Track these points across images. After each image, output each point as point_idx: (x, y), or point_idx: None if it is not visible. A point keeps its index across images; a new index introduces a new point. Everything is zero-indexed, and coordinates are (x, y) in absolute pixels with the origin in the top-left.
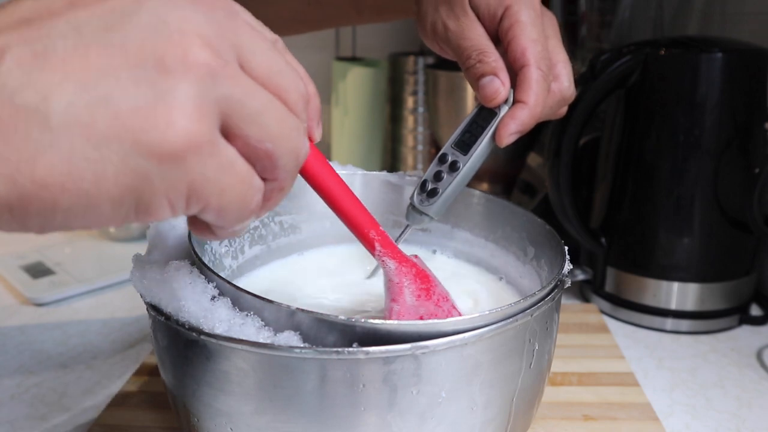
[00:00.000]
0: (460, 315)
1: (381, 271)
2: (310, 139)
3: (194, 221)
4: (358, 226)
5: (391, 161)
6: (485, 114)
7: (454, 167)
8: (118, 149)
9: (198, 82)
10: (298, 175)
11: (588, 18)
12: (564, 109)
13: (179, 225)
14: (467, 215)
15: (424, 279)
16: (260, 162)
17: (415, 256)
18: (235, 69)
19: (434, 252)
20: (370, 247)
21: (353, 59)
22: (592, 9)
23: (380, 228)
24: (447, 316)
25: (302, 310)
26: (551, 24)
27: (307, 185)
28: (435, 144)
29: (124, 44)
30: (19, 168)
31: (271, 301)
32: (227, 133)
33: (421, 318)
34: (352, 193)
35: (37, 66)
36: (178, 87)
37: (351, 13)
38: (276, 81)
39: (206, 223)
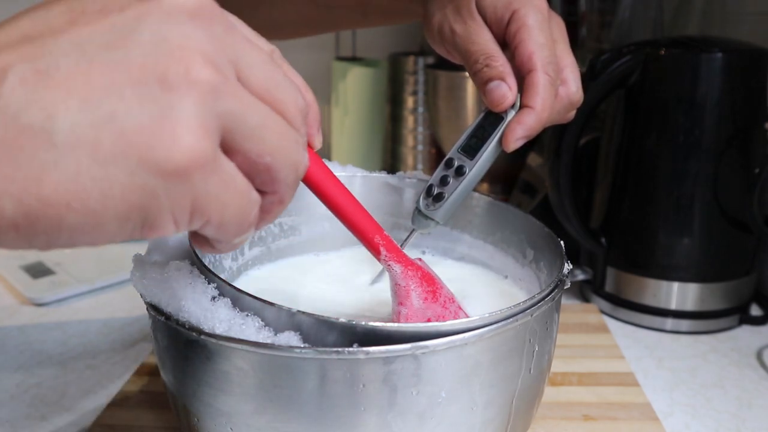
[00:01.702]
0: (467, 316)
1: (385, 276)
2: (311, 147)
3: (195, 235)
4: (363, 231)
5: (391, 161)
6: (492, 119)
7: (460, 172)
8: (125, 167)
9: (201, 98)
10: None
11: (588, 18)
12: (572, 114)
13: None
14: (466, 217)
15: (430, 282)
16: (259, 176)
17: (419, 259)
18: (235, 84)
19: (423, 252)
20: (375, 252)
21: (353, 59)
22: (592, 9)
23: (384, 232)
24: (455, 318)
25: (303, 312)
26: (559, 27)
27: (306, 188)
28: (435, 144)
29: (127, 61)
30: (25, 187)
31: (271, 303)
32: (227, 148)
33: (429, 320)
34: (355, 199)
35: (41, 84)
36: (182, 104)
37: (358, 16)
38: (274, 95)
39: (206, 240)
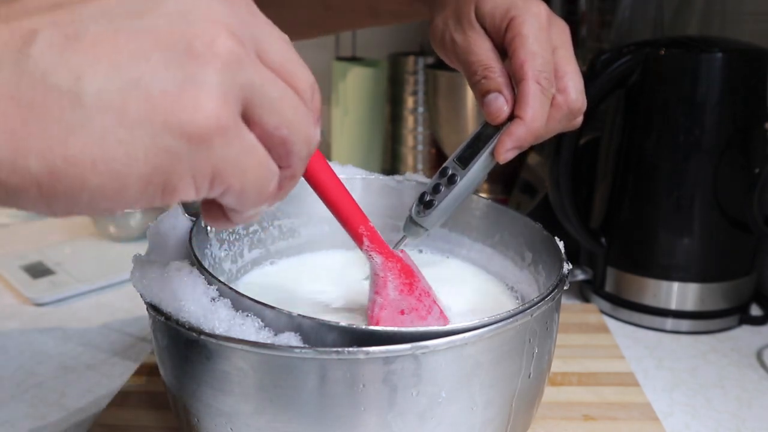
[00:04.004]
0: (440, 310)
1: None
2: None
3: (209, 208)
4: (349, 220)
5: (391, 161)
6: (490, 130)
7: (452, 180)
8: (150, 130)
9: (224, 68)
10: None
11: (588, 18)
12: (579, 120)
13: (180, 225)
14: (465, 219)
15: (408, 274)
16: (275, 149)
17: (402, 251)
18: (256, 58)
19: (420, 251)
20: (358, 241)
21: (353, 59)
22: (592, 9)
23: (369, 223)
24: (428, 312)
25: (303, 316)
26: (560, 33)
27: (305, 187)
28: (435, 144)
29: (154, 30)
30: (51, 146)
31: (271, 306)
32: (247, 119)
33: (402, 312)
34: (345, 189)
35: (69, 48)
36: (206, 72)
37: (368, 18)
38: (290, 71)
39: (221, 209)
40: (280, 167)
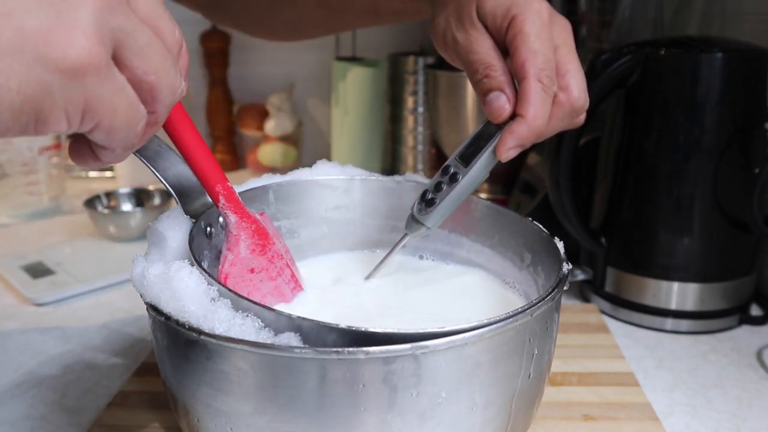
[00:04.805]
0: (292, 273)
1: (379, 272)
2: None
3: (78, 147)
4: (206, 177)
5: (391, 161)
6: (492, 128)
7: (453, 179)
8: (21, 60)
9: (97, 10)
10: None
11: (588, 18)
12: (581, 118)
13: (180, 225)
14: (464, 221)
15: (263, 236)
16: (142, 94)
17: (261, 214)
18: (127, 6)
19: (421, 257)
20: (215, 199)
21: (353, 59)
22: (592, 9)
23: (228, 183)
24: (278, 274)
25: (302, 317)
26: (563, 32)
27: (304, 188)
28: (435, 144)
29: None
30: None
31: (271, 309)
32: (117, 62)
33: (252, 270)
34: (206, 146)
35: None
36: (78, 11)
37: (369, 18)
38: (158, 23)
39: (89, 149)
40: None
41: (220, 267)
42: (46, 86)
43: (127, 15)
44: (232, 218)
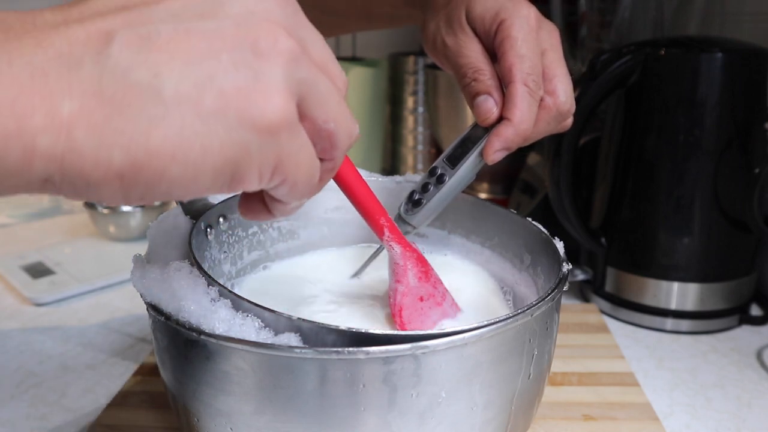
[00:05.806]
0: (451, 298)
1: (366, 271)
2: None
3: (249, 203)
4: (371, 212)
5: (391, 161)
6: (479, 131)
7: (440, 180)
8: (224, 123)
9: (286, 65)
10: None
11: (588, 18)
12: (568, 122)
13: (180, 225)
14: (463, 221)
15: (424, 263)
16: (321, 142)
17: (414, 243)
18: (308, 56)
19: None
20: (379, 232)
21: (353, 59)
22: (592, 9)
23: (388, 215)
24: (442, 298)
25: (302, 319)
26: (550, 36)
27: None
28: (435, 144)
29: (221, 30)
30: (134, 138)
31: (271, 310)
32: (299, 113)
33: (422, 299)
34: (365, 182)
35: (145, 47)
36: (272, 69)
37: (363, 22)
38: (330, 68)
39: (262, 203)
40: (321, 160)
41: (392, 300)
42: (246, 146)
43: (309, 66)
44: (397, 249)
